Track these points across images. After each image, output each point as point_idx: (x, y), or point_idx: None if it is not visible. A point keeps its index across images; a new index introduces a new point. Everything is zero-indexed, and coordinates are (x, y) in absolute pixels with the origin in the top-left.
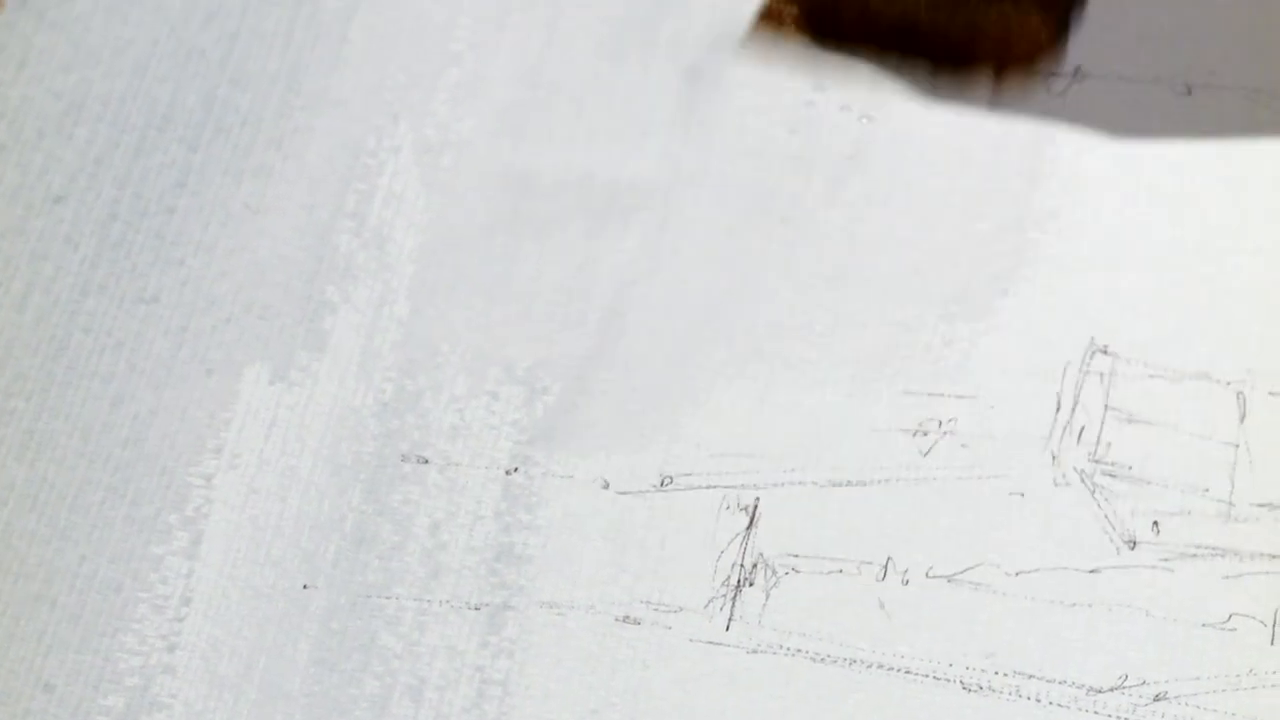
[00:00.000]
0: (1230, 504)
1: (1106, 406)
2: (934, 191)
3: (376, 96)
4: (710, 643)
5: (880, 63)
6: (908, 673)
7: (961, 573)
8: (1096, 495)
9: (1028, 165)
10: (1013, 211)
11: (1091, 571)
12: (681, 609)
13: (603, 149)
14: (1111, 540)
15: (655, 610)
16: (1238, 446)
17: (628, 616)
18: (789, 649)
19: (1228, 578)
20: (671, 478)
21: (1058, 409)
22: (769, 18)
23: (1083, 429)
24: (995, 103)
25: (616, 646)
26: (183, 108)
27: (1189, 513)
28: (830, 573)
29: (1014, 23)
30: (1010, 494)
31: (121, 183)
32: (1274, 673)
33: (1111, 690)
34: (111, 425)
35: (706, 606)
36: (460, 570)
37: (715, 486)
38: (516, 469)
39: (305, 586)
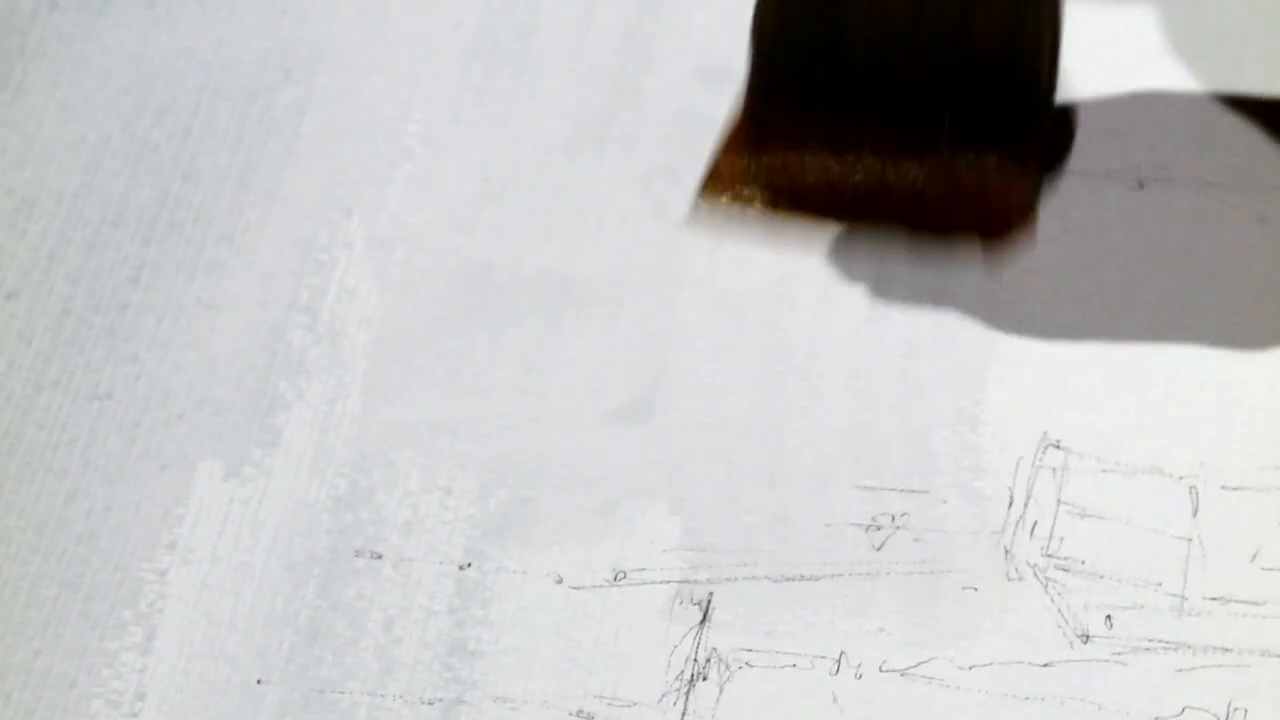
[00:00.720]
0: (1183, 598)
1: (1059, 501)
2: (886, 283)
3: (329, 192)
4: None
5: (851, 232)
6: None
7: (915, 667)
8: (1049, 589)
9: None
10: (965, 305)
11: (1045, 665)
12: (635, 704)
13: (556, 244)
14: (1065, 634)
15: (609, 705)
16: (1190, 540)
17: (581, 711)
18: None
19: (1181, 671)
20: (625, 573)
21: (1010, 503)
22: (717, 181)
23: (1035, 523)
24: (985, 266)
25: None
26: (135, 204)
27: (1142, 607)
28: (784, 667)
29: (993, 183)
30: (964, 588)
31: (75, 279)
32: None
33: None
34: (65, 521)
35: (660, 701)
36: (414, 665)
37: (669, 581)
38: (470, 564)
39: (259, 681)
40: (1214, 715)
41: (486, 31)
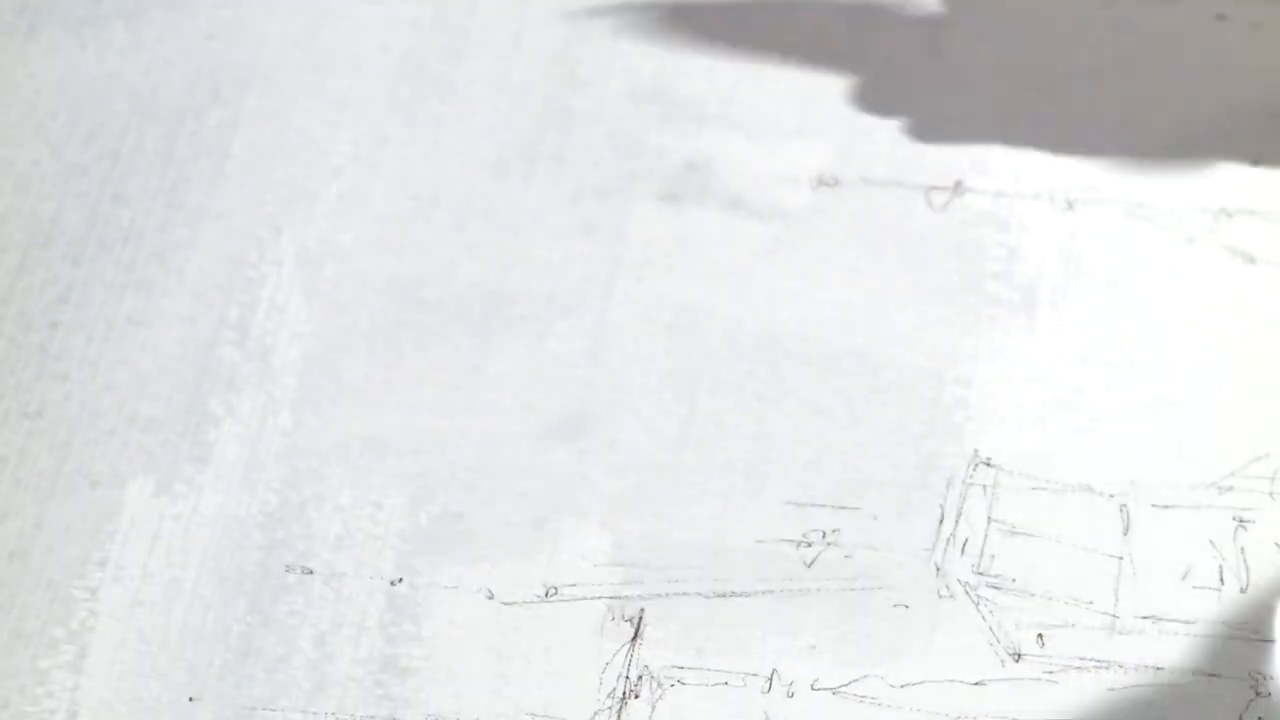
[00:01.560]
0: (1114, 616)
1: (990, 519)
2: (816, 304)
3: (258, 210)
4: None
5: None
6: None
7: (847, 685)
8: (981, 608)
9: (910, 279)
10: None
11: (976, 684)
12: None
13: (485, 261)
14: (996, 652)
15: None
16: (1121, 559)
17: None
18: None
19: (1112, 690)
20: (556, 589)
21: (941, 521)
22: None
23: (966, 541)
24: None
25: None
26: (65, 225)
27: (1073, 625)
28: (716, 684)
29: None
30: (895, 606)
31: (5, 299)
32: None
33: None
34: None
35: (592, 719)
36: (346, 682)
37: (600, 598)
38: (401, 579)
39: (191, 699)
40: None
41: (415, 53)
